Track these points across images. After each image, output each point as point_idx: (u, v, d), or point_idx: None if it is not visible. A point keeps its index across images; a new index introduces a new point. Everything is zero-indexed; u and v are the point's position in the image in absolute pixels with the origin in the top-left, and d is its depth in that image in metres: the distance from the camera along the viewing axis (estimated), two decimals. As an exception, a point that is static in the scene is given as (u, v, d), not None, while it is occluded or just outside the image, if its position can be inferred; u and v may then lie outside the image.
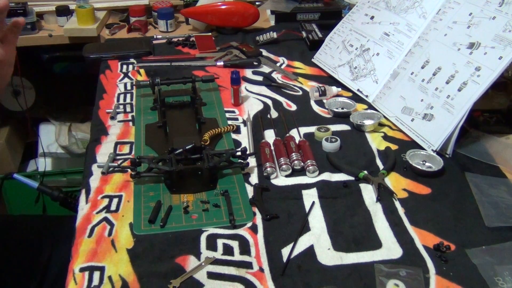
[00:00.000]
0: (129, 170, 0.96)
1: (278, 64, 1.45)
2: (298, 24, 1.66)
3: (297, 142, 1.07)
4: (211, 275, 0.76)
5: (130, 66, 1.44)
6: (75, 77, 2.17)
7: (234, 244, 0.82)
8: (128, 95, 1.29)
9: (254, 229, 0.85)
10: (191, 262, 0.79)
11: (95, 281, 0.75)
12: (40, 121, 2.08)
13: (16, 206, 1.85)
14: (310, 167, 0.98)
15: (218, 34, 1.66)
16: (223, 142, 1.09)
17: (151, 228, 0.85)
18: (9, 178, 1.18)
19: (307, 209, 0.90)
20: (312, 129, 1.12)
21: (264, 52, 1.52)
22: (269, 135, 1.11)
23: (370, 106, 1.22)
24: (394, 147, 1.07)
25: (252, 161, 1.02)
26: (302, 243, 0.83)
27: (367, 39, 1.30)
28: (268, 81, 1.35)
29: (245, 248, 0.82)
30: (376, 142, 1.09)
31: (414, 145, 1.07)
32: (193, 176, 0.93)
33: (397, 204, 0.91)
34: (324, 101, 1.24)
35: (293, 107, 1.23)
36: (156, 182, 0.96)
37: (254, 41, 1.58)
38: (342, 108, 1.20)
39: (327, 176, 0.98)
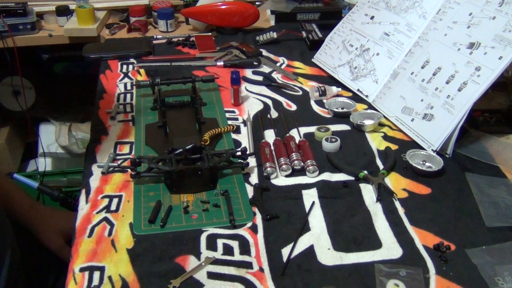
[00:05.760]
0: (129, 170, 0.96)
1: (278, 64, 1.45)
2: (298, 24, 1.66)
3: (297, 142, 1.07)
4: (211, 275, 0.76)
5: (130, 66, 1.44)
6: (75, 77, 2.17)
7: (234, 244, 0.82)
8: (128, 95, 1.29)
9: (254, 229, 0.85)
10: (191, 262, 0.79)
11: (95, 281, 0.75)
12: (40, 121, 2.08)
13: (16, 206, 1.85)
14: (310, 167, 0.98)
15: (218, 34, 1.66)
16: (223, 142, 1.09)
17: (151, 228, 0.85)
18: (9, 178, 1.18)
19: (307, 209, 0.90)
20: (312, 129, 1.12)
21: (264, 52, 1.52)
22: (269, 135, 1.11)
23: (370, 106, 1.22)
24: (394, 147, 1.07)
25: (252, 161, 1.02)
26: (302, 243, 0.82)
27: (367, 39, 1.30)
28: (268, 81, 1.35)
29: (245, 248, 0.82)
30: (376, 142, 1.09)
31: (414, 145, 1.07)
32: (193, 176, 0.93)
33: (397, 204, 0.91)
34: (324, 101, 1.24)
35: (293, 107, 1.23)
36: (156, 182, 0.96)
37: (254, 41, 1.58)
38: (342, 108, 1.20)
39: (327, 176, 0.98)
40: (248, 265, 0.78)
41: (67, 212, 1.13)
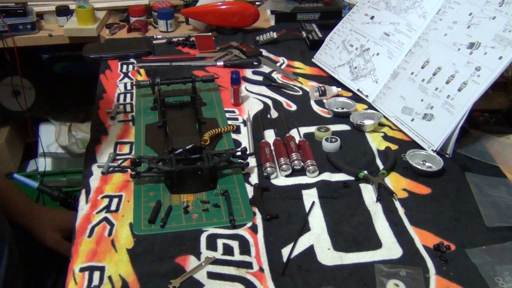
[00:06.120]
0: (129, 170, 0.96)
1: (278, 64, 1.45)
2: (298, 24, 1.66)
3: (297, 142, 1.07)
4: (211, 275, 0.76)
5: (130, 66, 1.44)
6: (75, 77, 2.17)
7: (234, 244, 0.82)
8: (128, 95, 1.29)
9: (254, 229, 0.85)
10: (191, 262, 0.79)
11: (95, 281, 0.75)
12: (40, 121, 2.08)
13: (16, 206, 1.85)
14: (310, 167, 0.98)
15: (218, 34, 1.66)
16: (223, 142, 1.09)
17: (151, 228, 0.85)
18: (9, 178, 1.18)
19: (307, 209, 0.90)
20: (312, 129, 1.12)
21: (264, 52, 1.52)
22: (269, 135, 1.11)
23: (370, 106, 1.22)
24: (394, 147, 1.07)
25: (252, 161, 1.02)
26: (302, 243, 0.82)
27: (367, 39, 1.30)
28: (268, 81, 1.35)
29: (245, 248, 0.82)
30: (376, 142, 1.09)
31: (414, 145, 1.07)
32: (193, 176, 0.93)
33: (397, 204, 0.91)
34: (324, 101, 1.24)
35: (293, 107, 1.23)
36: (156, 182, 0.96)
37: (254, 41, 1.58)
38: (342, 108, 1.20)
39: (327, 176, 0.98)
40: (248, 265, 0.78)
41: (63, 210, 1.14)
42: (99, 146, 1.08)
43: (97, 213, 0.89)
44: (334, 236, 0.84)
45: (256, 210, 0.89)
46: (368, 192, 0.94)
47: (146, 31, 1.69)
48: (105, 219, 0.88)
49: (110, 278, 0.76)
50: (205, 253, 0.80)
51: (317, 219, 0.88)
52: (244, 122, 1.16)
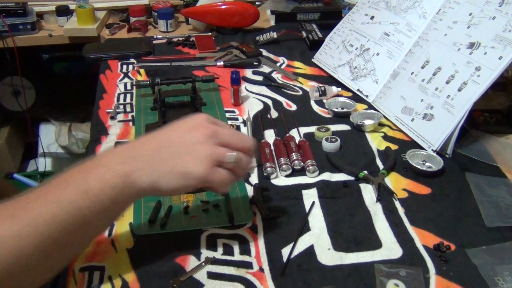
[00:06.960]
0: (129, 170, 0.96)
1: (278, 64, 1.45)
2: (298, 24, 1.66)
3: (297, 142, 1.07)
4: (211, 275, 0.76)
5: (130, 66, 1.44)
6: (75, 77, 2.18)
7: (234, 244, 0.82)
8: (128, 95, 1.29)
9: (254, 229, 0.85)
10: (191, 262, 0.79)
11: (95, 281, 0.75)
12: (40, 121, 2.09)
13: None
14: (310, 167, 0.98)
15: (218, 34, 1.66)
16: (223, 142, 1.09)
17: (151, 228, 0.85)
18: (9, 178, 1.18)
19: (307, 209, 0.90)
20: (312, 129, 1.12)
21: (264, 52, 1.52)
22: (269, 135, 1.11)
23: (370, 106, 1.22)
24: (394, 147, 1.07)
25: (252, 161, 1.02)
26: (302, 243, 0.82)
27: (367, 39, 1.30)
28: (268, 81, 1.35)
29: (245, 248, 0.81)
30: (376, 142, 1.09)
31: (414, 145, 1.07)
32: (193, 176, 0.93)
33: (397, 204, 0.91)
34: (324, 101, 1.24)
35: (293, 107, 1.23)
36: (156, 182, 0.96)
37: (254, 41, 1.58)
38: (342, 108, 1.20)
39: (327, 176, 0.98)
40: (248, 265, 0.78)
41: None
42: (99, 146, 1.08)
43: (97, 213, 0.89)
44: (334, 236, 0.84)
45: (256, 210, 0.89)
46: (368, 192, 0.94)
47: (146, 31, 1.69)
48: (105, 219, 0.88)
49: (110, 278, 0.76)
50: (205, 253, 0.80)
51: (317, 219, 0.88)
52: (244, 122, 1.16)
